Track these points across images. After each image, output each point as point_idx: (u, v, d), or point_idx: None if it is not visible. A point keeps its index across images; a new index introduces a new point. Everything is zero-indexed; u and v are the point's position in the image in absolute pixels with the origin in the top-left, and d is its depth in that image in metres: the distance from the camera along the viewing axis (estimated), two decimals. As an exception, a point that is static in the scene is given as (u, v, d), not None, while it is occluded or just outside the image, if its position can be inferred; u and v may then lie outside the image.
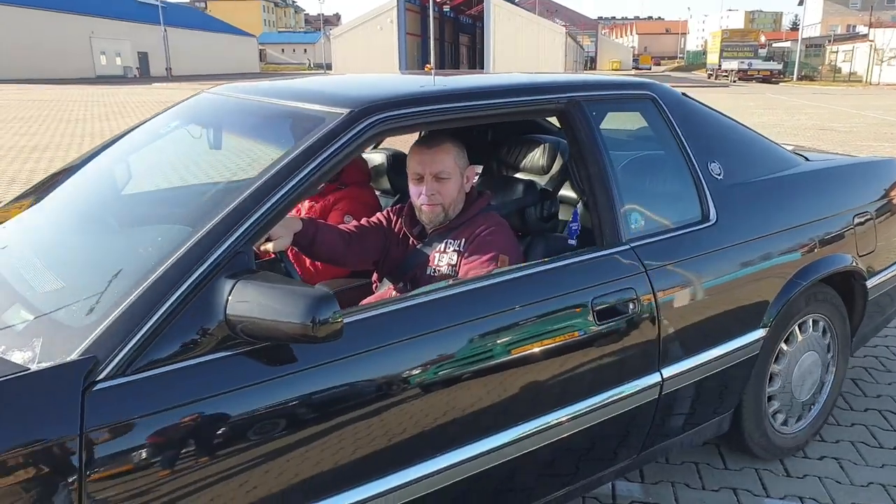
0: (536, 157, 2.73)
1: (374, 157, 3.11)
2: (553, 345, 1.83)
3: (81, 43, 46.19)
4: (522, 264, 1.98)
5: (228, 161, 2.03)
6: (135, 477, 1.32)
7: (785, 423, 2.63)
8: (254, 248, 1.62)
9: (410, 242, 2.22)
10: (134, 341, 1.35)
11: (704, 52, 67.79)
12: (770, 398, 2.55)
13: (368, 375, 1.58)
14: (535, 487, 1.97)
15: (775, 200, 2.46)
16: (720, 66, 51.25)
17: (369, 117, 1.71)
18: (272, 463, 1.46)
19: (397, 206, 2.37)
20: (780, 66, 48.11)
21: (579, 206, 2.39)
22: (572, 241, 2.23)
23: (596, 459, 2.07)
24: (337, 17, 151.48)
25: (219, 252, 1.46)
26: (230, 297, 1.41)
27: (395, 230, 2.28)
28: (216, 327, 1.42)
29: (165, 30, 49.53)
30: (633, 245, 2.05)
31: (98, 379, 1.31)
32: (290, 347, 1.48)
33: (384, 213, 2.34)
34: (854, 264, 2.63)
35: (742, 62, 47.94)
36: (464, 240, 2.10)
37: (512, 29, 44.77)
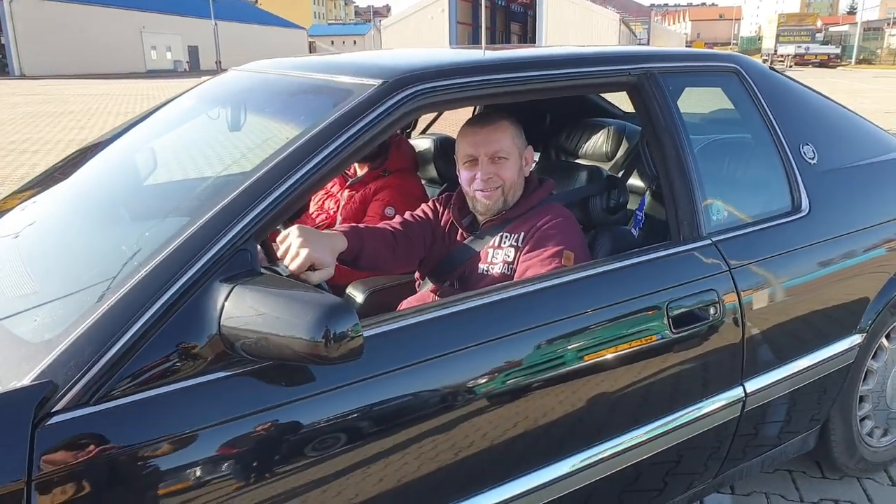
0: (599, 142, 2.49)
1: (420, 143, 2.88)
2: (621, 358, 1.58)
3: (132, 38, 46.89)
4: (589, 262, 1.73)
5: (245, 143, 1.81)
6: None
7: (875, 434, 2.34)
8: (289, 268, 1.38)
9: (459, 235, 1.97)
10: (103, 362, 1.09)
11: (759, 38, 65.91)
12: (862, 409, 2.26)
13: (403, 399, 1.33)
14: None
15: (876, 188, 2.15)
16: (776, 51, 49.77)
17: (405, 89, 1.45)
18: None
19: (444, 195, 2.11)
20: (837, 50, 46.56)
21: (647, 194, 2.12)
22: (635, 232, 1.95)
23: (667, 485, 1.82)
24: (387, 8, 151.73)
25: (215, 249, 1.20)
26: (225, 306, 1.16)
27: (442, 222, 2.02)
28: (208, 343, 1.17)
29: (216, 23, 50.02)
30: (714, 240, 1.77)
31: (54, 410, 1.06)
32: (301, 367, 1.23)
33: (430, 203, 2.09)
34: None
35: (799, 46, 46.55)
36: (522, 234, 1.83)
37: (564, 16, 44.03)
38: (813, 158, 2.01)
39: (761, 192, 1.97)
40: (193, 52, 53.27)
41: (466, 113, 2.60)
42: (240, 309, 1.15)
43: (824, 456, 2.26)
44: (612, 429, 1.63)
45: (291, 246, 1.41)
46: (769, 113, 1.97)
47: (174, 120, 2.17)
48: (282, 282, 1.24)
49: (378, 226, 1.95)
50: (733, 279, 1.75)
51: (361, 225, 1.89)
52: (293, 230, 1.45)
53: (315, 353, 1.09)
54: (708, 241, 1.77)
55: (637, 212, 2.00)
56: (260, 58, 2.24)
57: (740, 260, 1.78)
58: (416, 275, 2.04)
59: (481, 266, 1.86)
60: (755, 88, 1.97)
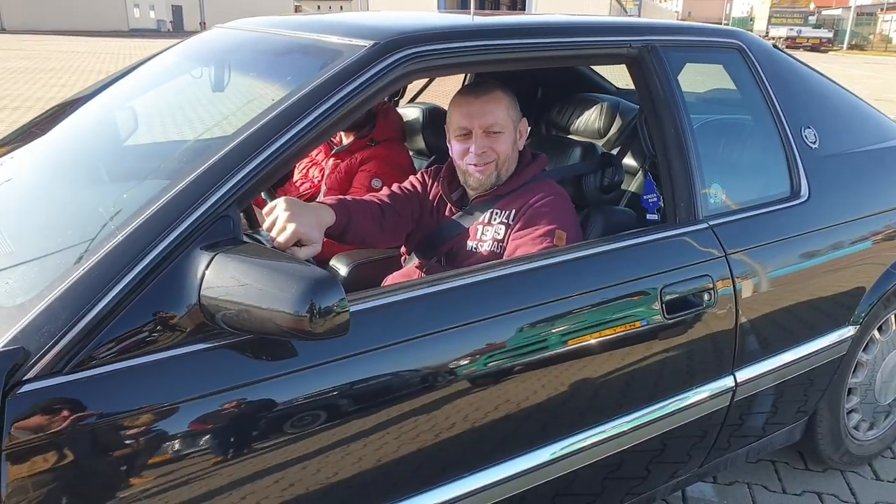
0: (592, 118, 2.41)
1: (409, 112, 2.78)
2: (612, 342, 1.52)
3: (115, -5, 46.02)
4: (582, 242, 1.66)
5: (229, 104, 1.71)
6: None
7: (861, 427, 2.31)
8: (275, 242, 1.31)
9: (448, 210, 1.89)
10: (78, 328, 1.04)
11: (751, 19, 65.66)
12: (850, 402, 2.22)
13: (387, 378, 1.27)
14: (589, 500, 1.69)
15: (876, 176, 2.10)
16: (767, 32, 49.55)
17: (397, 52, 1.37)
18: (255, 486, 1.17)
19: (433, 167, 2.03)
20: (830, 35, 46.40)
21: (650, 174, 2.05)
22: (653, 216, 1.87)
23: (650, 473, 1.77)
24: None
25: (195, 215, 1.14)
26: (206, 274, 1.10)
27: (431, 196, 1.94)
28: (187, 313, 1.11)
29: (200, -18, 49.18)
30: (711, 224, 1.71)
31: (26, 378, 1.01)
32: (283, 342, 1.17)
33: (418, 176, 2.00)
34: None
35: (791, 29, 46.31)
36: (514, 210, 1.76)
37: (555, -13, 43.65)
38: (815, 143, 1.94)
39: (760, 175, 1.91)
40: (177, 11, 52.26)
41: (455, 83, 2.51)
42: (221, 278, 1.09)
43: (809, 448, 2.23)
44: (600, 415, 1.58)
45: (278, 219, 1.35)
46: (771, 93, 1.89)
47: (156, 78, 2.08)
48: (265, 252, 1.17)
49: (365, 198, 1.86)
50: (729, 265, 1.69)
51: (349, 197, 1.80)
52: (280, 202, 1.38)
53: (299, 328, 1.04)
54: (705, 225, 1.70)
55: (648, 196, 1.91)
56: (245, 17, 2.13)
57: (737, 246, 1.72)
58: (402, 249, 1.96)
59: (470, 243, 1.78)
60: (758, 67, 1.90)
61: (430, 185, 1.96)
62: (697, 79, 2.02)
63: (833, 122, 2.05)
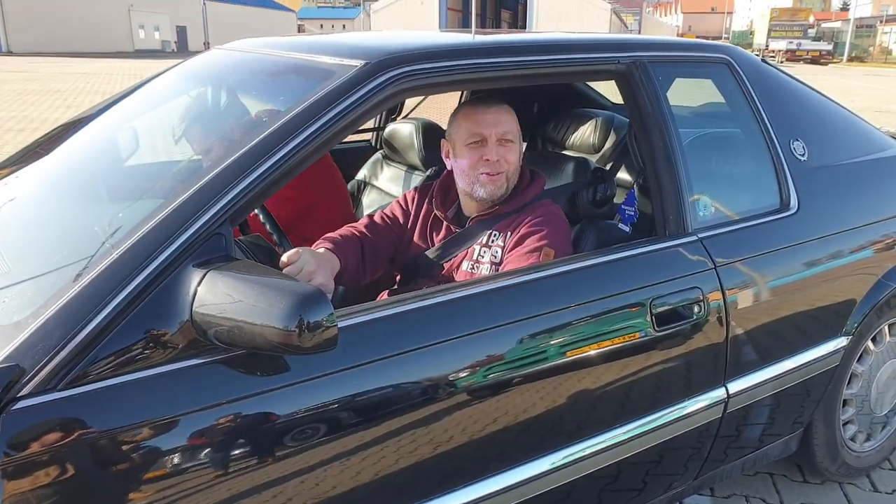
0: (587, 133, 2.43)
1: (403, 128, 2.81)
2: (602, 355, 1.54)
3: (120, 16, 46.27)
4: (572, 255, 1.68)
5: (224, 124, 1.75)
6: None
7: (858, 439, 2.31)
8: None
9: (444, 229, 1.89)
10: (72, 346, 1.06)
11: (751, 32, 66.02)
12: (845, 413, 2.23)
13: (377, 392, 1.29)
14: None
15: (866, 187, 2.11)
16: (767, 46, 49.77)
17: (388, 71, 1.40)
18: (251, 500, 1.19)
19: (421, 186, 2.03)
20: (829, 47, 46.60)
21: (635, 188, 2.07)
22: (625, 228, 1.90)
23: (647, 485, 1.78)
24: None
25: (188, 233, 1.17)
26: (199, 291, 1.12)
27: (422, 215, 1.94)
28: (179, 329, 1.14)
29: (204, 3, 49.54)
30: (701, 236, 1.73)
31: (20, 395, 1.03)
32: (274, 357, 1.19)
33: (401, 200, 2.00)
34: None
35: (791, 42, 46.55)
36: (510, 232, 1.77)
37: (555, 5, 43.88)
38: (803, 155, 1.96)
39: (749, 188, 1.93)
40: (182, 32, 52.68)
41: (445, 100, 2.53)
42: (213, 295, 1.12)
43: (806, 460, 2.23)
44: (593, 427, 1.59)
45: (304, 271, 1.41)
46: (759, 106, 1.92)
47: (155, 99, 2.12)
48: (256, 268, 1.19)
49: (348, 235, 1.85)
50: (719, 277, 1.71)
51: (338, 236, 1.82)
52: (304, 254, 1.44)
53: (288, 342, 1.07)
54: (694, 238, 1.72)
55: (625, 206, 1.94)
56: (248, 38, 2.17)
57: (726, 258, 1.74)
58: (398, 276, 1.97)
59: (466, 263, 1.79)
60: (746, 81, 1.92)
61: (417, 205, 1.96)
62: (693, 91, 2.05)
63: (821, 134, 2.07)
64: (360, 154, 3.09)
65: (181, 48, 51.42)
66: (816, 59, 44.05)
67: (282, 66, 1.76)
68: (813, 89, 2.22)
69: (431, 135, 2.62)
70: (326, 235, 1.82)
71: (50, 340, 1.06)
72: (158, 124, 2.08)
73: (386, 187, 2.83)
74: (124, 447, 1.08)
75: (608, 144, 2.38)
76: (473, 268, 1.77)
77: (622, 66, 1.72)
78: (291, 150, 1.29)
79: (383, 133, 2.92)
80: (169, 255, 1.15)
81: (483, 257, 1.78)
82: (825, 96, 2.25)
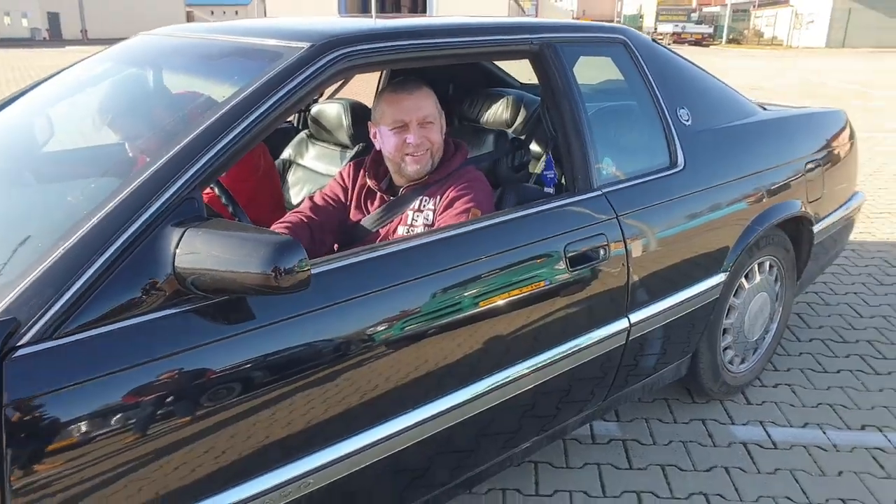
0: (500, 110, 2.67)
1: (329, 109, 2.98)
2: (527, 292, 1.79)
3: (-18, 2, 43.20)
4: (498, 212, 1.94)
5: (181, 103, 1.89)
6: (67, 456, 1.16)
7: (735, 362, 2.71)
8: None
9: (378, 199, 2.08)
10: (65, 299, 1.18)
11: (641, 16, 68.38)
12: (724, 339, 2.62)
13: (333, 331, 1.46)
14: (509, 435, 1.95)
15: (739, 147, 2.48)
16: (656, 29, 51.82)
17: (333, 51, 1.59)
18: (228, 431, 1.33)
19: (353, 162, 2.20)
20: (710, 30, 48.91)
21: (550, 154, 2.35)
22: (549, 190, 2.18)
23: (565, 406, 2.07)
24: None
25: (164, 197, 1.31)
26: (179, 248, 1.27)
27: (357, 188, 2.12)
28: (164, 281, 1.28)
29: (80, -13, 46.69)
30: (605, 191, 2.03)
31: (20, 344, 1.14)
32: (249, 303, 1.36)
33: (337, 178, 2.17)
34: (804, 210, 2.69)
35: (676, 25, 48.56)
36: (440, 197, 1.99)
37: (453, -14, 43.98)
38: (688, 120, 2.31)
39: (644, 149, 2.24)
40: (54, 18, 49.18)
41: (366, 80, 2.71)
42: (192, 249, 1.26)
43: (694, 382, 2.60)
44: (517, 356, 1.82)
45: None
46: (651, 79, 2.24)
47: (85, 85, 2.19)
48: (231, 225, 1.34)
49: (295, 220, 2.00)
50: (620, 225, 2.00)
51: (291, 219, 1.97)
52: None
53: (267, 284, 1.20)
54: (599, 193, 2.01)
55: (546, 172, 2.22)
56: (130, 27, 2.29)
57: (626, 209, 2.03)
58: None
59: (401, 228, 1.98)
60: (639, 58, 2.24)
61: (353, 179, 2.14)
62: (591, 71, 2.35)
63: (703, 102, 2.42)
64: (284, 135, 3.21)
65: (54, 36, 48.14)
66: (699, 42, 46.14)
67: (228, 49, 1.90)
68: (695, 65, 2.57)
69: (359, 114, 2.80)
70: (276, 224, 1.98)
71: (45, 293, 1.18)
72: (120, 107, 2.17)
73: (312, 165, 2.98)
74: (118, 385, 1.20)
75: (519, 120, 2.61)
76: (409, 231, 1.96)
77: (535, 47, 1.99)
78: (253, 121, 1.44)
79: (308, 114, 3.07)
80: (149, 216, 1.28)
81: (416, 221, 1.97)
82: (706, 71, 2.62)
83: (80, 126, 2.15)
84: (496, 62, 3.28)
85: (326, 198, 2.13)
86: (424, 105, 1.97)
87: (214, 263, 1.23)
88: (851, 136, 3.19)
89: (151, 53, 2.16)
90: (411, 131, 1.95)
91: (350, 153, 2.87)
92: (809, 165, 2.74)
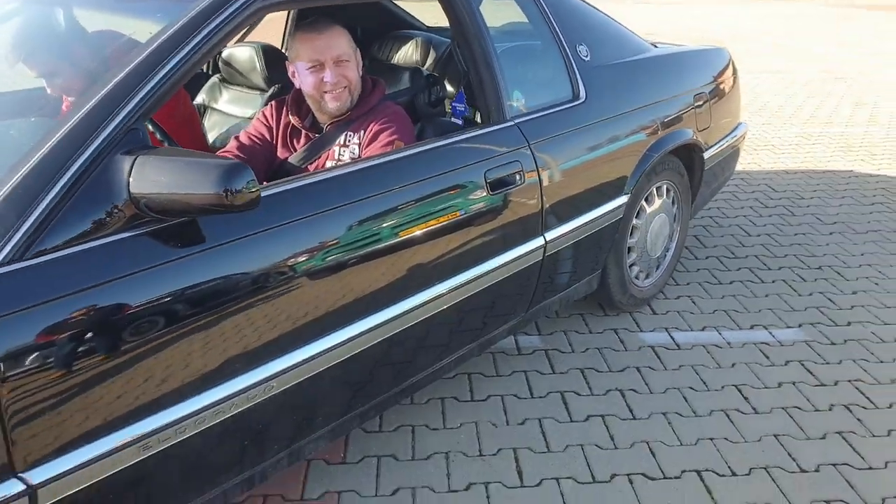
0: (409, 51, 2.78)
1: (240, 52, 2.94)
2: (451, 217, 1.95)
3: None
4: (421, 142, 2.08)
5: (93, 44, 1.91)
6: (46, 375, 1.23)
7: (640, 277, 3.00)
8: None
9: (304, 137, 2.15)
10: (29, 223, 1.25)
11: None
12: (630, 257, 2.88)
13: (275, 253, 1.57)
14: (443, 346, 2.13)
15: (633, 81, 2.71)
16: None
17: None
18: (183, 344, 1.42)
19: (274, 101, 2.25)
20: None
21: (462, 88, 2.50)
22: (457, 121, 2.35)
23: (493, 318, 2.27)
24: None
25: (111, 128, 1.36)
26: (132, 174, 1.34)
27: (281, 128, 2.18)
28: (122, 205, 1.35)
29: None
30: (517, 122, 2.21)
31: None
32: (200, 225, 1.44)
33: (260, 117, 2.22)
34: (694, 138, 2.97)
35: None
36: (363, 131, 2.09)
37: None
38: (587, 56, 2.52)
39: (550, 84, 2.43)
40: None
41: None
42: (145, 174, 1.32)
43: (605, 296, 2.87)
44: (444, 273, 1.97)
45: None
46: (552, 19, 2.43)
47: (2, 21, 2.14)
48: (178, 151, 1.43)
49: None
50: (532, 152, 2.20)
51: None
52: None
53: (220, 203, 1.29)
54: (512, 123, 2.20)
55: (456, 104, 2.39)
56: None
57: (536, 138, 2.22)
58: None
59: (329, 163, 2.08)
60: (542, 0, 2.42)
61: (276, 118, 2.19)
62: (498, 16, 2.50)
63: (599, 40, 2.63)
64: (195, 80, 3.14)
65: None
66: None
67: None
68: (591, 6, 2.78)
69: (272, 56, 2.83)
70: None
71: (7, 220, 1.25)
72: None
73: (227, 109, 2.97)
74: (82, 307, 1.27)
75: (430, 60, 2.74)
76: (336, 165, 2.06)
77: None
78: (186, 54, 1.49)
79: (220, 58, 3.02)
80: (97, 145, 1.33)
81: (343, 156, 2.08)
82: (602, 12, 2.83)
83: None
84: (401, 3, 3.39)
85: (252, 137, 2.18)
86: (337, 44, 2.02)
87: (167, 187, 1.30)
88: (734, 73, 3.50)
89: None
90: (327, 70, 2.01)
91: (266, 95, 2.85)
92: (697, 99, 3.01)
